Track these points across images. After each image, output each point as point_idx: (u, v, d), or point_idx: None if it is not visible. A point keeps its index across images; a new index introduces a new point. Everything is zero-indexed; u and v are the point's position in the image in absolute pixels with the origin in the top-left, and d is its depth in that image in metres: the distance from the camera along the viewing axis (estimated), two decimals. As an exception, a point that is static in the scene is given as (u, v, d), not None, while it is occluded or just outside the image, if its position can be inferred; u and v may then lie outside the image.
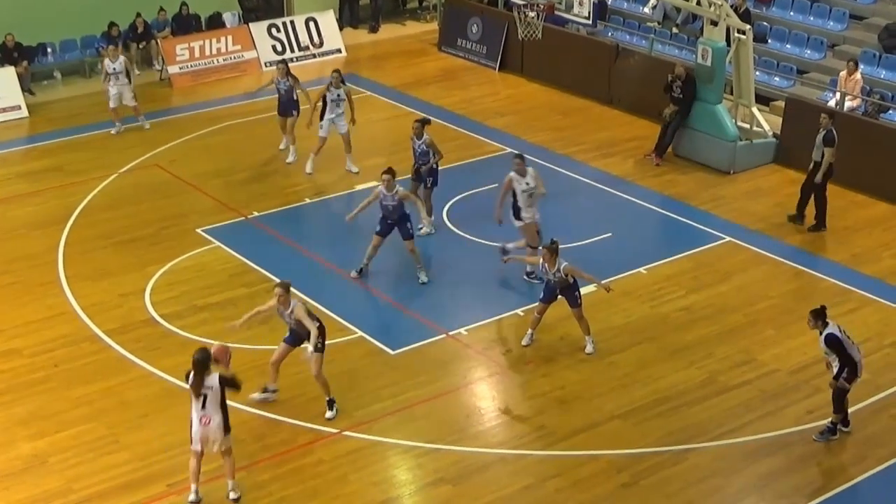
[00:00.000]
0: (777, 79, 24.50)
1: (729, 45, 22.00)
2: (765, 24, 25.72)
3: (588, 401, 15.19)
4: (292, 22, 28.99)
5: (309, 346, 14.30)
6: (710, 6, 21.97)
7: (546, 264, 15.87)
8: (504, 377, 15.90)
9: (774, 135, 22.59)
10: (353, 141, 21.64)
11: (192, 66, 27.36)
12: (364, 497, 13.45)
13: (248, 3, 29.12)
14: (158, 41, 27.54)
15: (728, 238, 19.53)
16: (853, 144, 20.37)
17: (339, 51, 29.19)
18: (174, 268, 18.52)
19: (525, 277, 18.01)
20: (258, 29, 28.47)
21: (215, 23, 28.76)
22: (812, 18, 25.57)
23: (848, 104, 22.29)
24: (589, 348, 16.19)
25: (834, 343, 13.87)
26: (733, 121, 22.34)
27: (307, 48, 28.84)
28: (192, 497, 13.11)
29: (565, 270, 15.76)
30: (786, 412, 14.93)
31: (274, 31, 28.63)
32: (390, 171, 17.46)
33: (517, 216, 17.67)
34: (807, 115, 22.09)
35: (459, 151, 22.59)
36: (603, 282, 16.32)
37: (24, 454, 14.07)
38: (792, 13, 25.92)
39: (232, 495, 13.18)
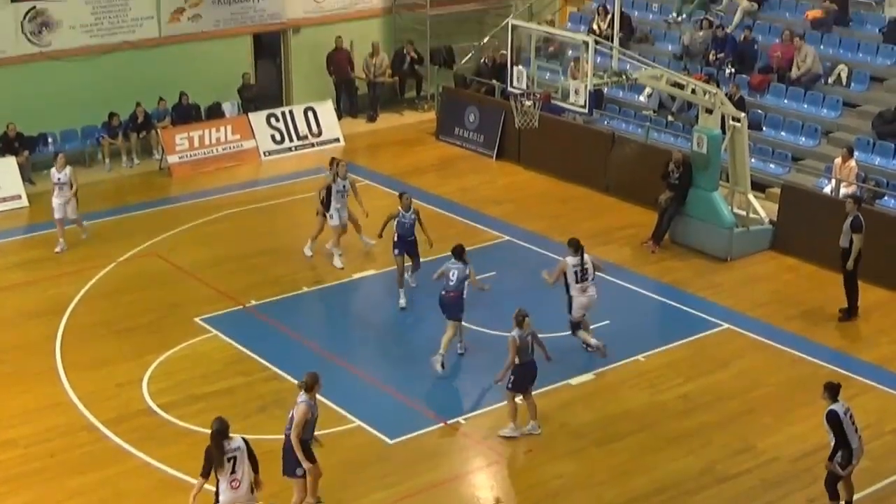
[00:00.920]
0: (772, 166, 24.67)
1: (724, 132, 22.18)
2: (759, 111, 25.94)
3: (587, 489, 15.09)
4: (291, 111, 29.26)
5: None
6: (704, 94, 22.20)
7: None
8: (503, 466, 15.80)
9: (771, 221, 22.70)
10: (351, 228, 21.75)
11: (191, 155, 27.55)
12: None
13: (247, 93, 29.39)
14: (158, 131, 27.76)
15: (726, 325, 19.54)
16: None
17: (337, 140, 29.41)
18: (172, 357, 18.49)
19: None
20: (257, 119, 28.71)
21: (214, 112, 29.03)
22: (806, 106, 25.80)
23: (843, 191, 22.41)
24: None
25: (833, 421, 13.83)
26: (730, 208, 22.46)
27: (306, 137, 29.06)
28: None
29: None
30: (786, 501, 14.82)
31: (273, 120, 28.87)
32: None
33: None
34: (802, 201, 22.28)
35: (456, 239, 22.54)
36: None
37: (18, 546, 13.97)
38: (786, 101, 26.16)
39: None
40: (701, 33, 27.88)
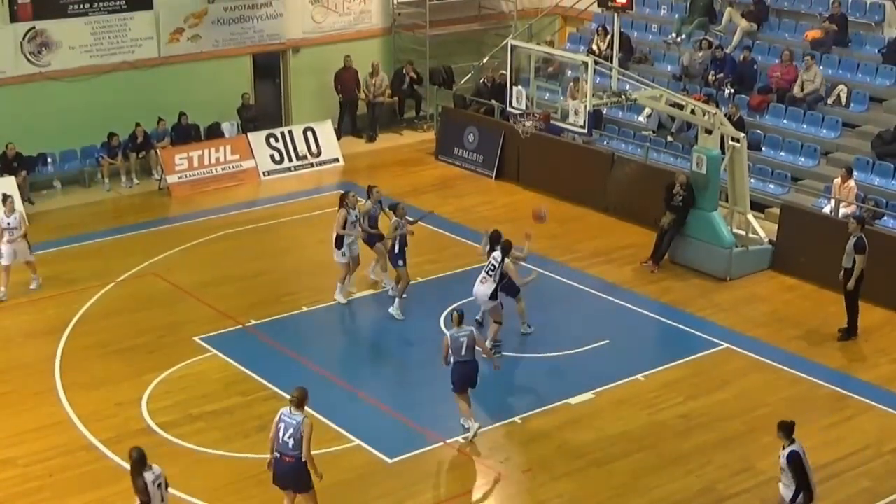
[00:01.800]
0: (772, 186, 24.68)
1: (723, 152, 22.21)
2: (759, 131, 25.98)
3: (586, 510, 15.06)
4: (290, 131, 29.28)
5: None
6: (704, 115, 22.24)
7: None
8: (502, 485, 15.75)
9: (770, 241, 22.71)
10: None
11: (190, 175, 27.56)
12: None
13: (247, 113, 29.43)
14: (158, 151, 27.78)
15: (726, 345, 19.52)
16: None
17: (336, 160, 29.43)
18: (171, 376, 18.46)
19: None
20: (256, 138, 28.73)
21: (214, 132, 29.05)
22: (805, 126, 25.83)
23: (843, 211, 22.42)
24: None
25: (795, 463, 13.42)
26: (729, 228, 22.47)
27: (305, 157, 29.09)
28: None
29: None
30: (786, 521, 14.76)
31: (272, 140, 28.90)
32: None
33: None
34: (802, 221, 22.27)
35: (456, 260, 22.68)
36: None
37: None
38: (785, 121, 26.21)
39: None
40: (700, 54, 27.93)
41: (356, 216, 20.71)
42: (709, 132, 22.22)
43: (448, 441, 16.62)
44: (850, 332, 19.73)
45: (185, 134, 28.38)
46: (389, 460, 16.17)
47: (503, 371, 17.85)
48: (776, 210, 23.44)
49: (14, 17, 26.58)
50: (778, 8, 29.00)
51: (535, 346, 19.25)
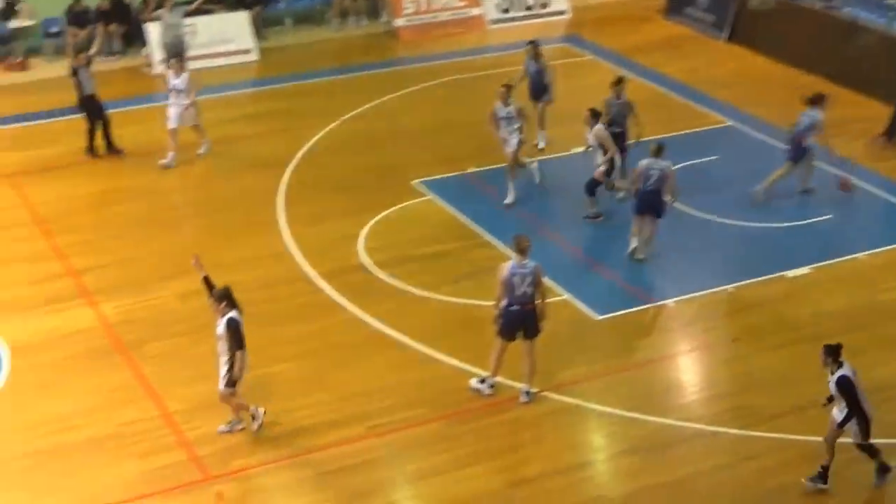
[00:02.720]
0: None
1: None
2: None
3: (794, 385, 14.75)
4: (519, -19, 29.00)
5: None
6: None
7: None
8: (707, 352, 15.66)
9: None
10: (568, 105, 21.24)
11: (417, 19, 27.63)
12: (558, 459, 13.44)
13: (478, -40, 29.18)
14: (387, -8, 27.92)
15: (958, 229, 18.73)
16: None
17: (562, 12, 29.02)
18: (388, 217, 18.80)
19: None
20: (485, -14, 28.56)
21: (443, -24, 28.98)
22: None
23: None
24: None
25: (846, 387, 12.64)
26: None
27: (531, 7, 28.76)
28: None
29: None
30: None
31: (501, -12, 28.69)
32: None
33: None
34: None
35: (680, 122, 22.24)
36: None
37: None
38: None
39: None
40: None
41: (508, 113, 18.94)
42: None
43: (658, 303, 16.53)
44: None
45: (415, -24, 28.39)
46: (597, 317, 16.20)
47: (716, 238, 17.52)
48: None
49: None
50: None
51: (753, 214, 18.83)
